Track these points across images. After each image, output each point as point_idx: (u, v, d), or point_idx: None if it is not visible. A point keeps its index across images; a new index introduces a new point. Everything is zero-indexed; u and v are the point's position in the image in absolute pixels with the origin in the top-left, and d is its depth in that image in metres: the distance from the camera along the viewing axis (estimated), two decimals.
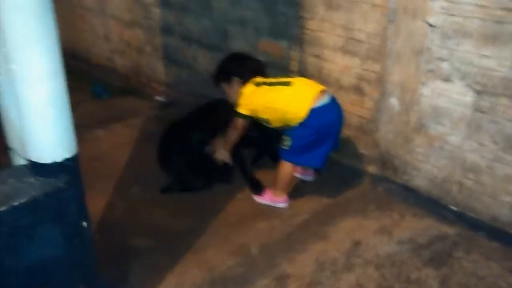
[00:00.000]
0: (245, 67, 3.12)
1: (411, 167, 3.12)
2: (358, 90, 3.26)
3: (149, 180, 3.35)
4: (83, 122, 4.06)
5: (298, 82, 3.00)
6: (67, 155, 1.57)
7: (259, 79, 3.04)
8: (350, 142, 3.46)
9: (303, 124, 2.83)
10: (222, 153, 3.20)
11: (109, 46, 5.15)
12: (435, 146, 2.95)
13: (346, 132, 3.44)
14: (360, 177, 3.40)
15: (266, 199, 3.15)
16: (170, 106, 4.53)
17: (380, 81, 3.11)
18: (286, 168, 3.02)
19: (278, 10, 3.52)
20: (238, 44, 3.89)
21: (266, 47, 3.72)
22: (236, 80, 3.08)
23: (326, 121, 2.89)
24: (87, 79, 5.17)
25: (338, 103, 3.02)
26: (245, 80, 3.04)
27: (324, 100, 2.90)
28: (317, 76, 3.46)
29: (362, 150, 3.40)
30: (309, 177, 3.40)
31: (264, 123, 3.03)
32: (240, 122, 3.01)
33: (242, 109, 2.96)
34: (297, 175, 3.39)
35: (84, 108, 4.50)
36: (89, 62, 5.48)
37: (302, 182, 3.37)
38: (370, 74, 3.16)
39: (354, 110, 3.33)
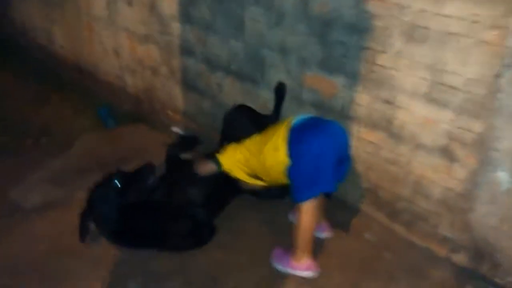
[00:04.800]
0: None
1: None
2: (445, 153, 2.39)
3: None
4: (80, 167, 3.31)
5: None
6: None
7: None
8: (428, 218, 2.59)
9: (290, 156, 2.32)
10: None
11: (119, 63, 4.35)
12: None
13: (423, 204, 2.58)
14: (441, 267, 2.54)
15: (286, 266, 2.46)
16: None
17: (481, 145, 2.24)
18: (306, 217, 2.32)
19: (334, 37, 2.64)
20: (277, 76, 3.03)
21: (315, 83, 2.86)
22: None
23: (316, 138, 2.30)
24: (93, 99, 4.42)
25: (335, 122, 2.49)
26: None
27: (303, 116, 2.46)
28: (384, 127, 2.59)
29: (446, 231, 2.53)
30: (323, 233, 2.69)
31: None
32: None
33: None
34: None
35: (84, 142, 3.72)
36: (95, 78, 4.69)
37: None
38: (465, 134, 2.28)
39: (437, 178, 2.46)
